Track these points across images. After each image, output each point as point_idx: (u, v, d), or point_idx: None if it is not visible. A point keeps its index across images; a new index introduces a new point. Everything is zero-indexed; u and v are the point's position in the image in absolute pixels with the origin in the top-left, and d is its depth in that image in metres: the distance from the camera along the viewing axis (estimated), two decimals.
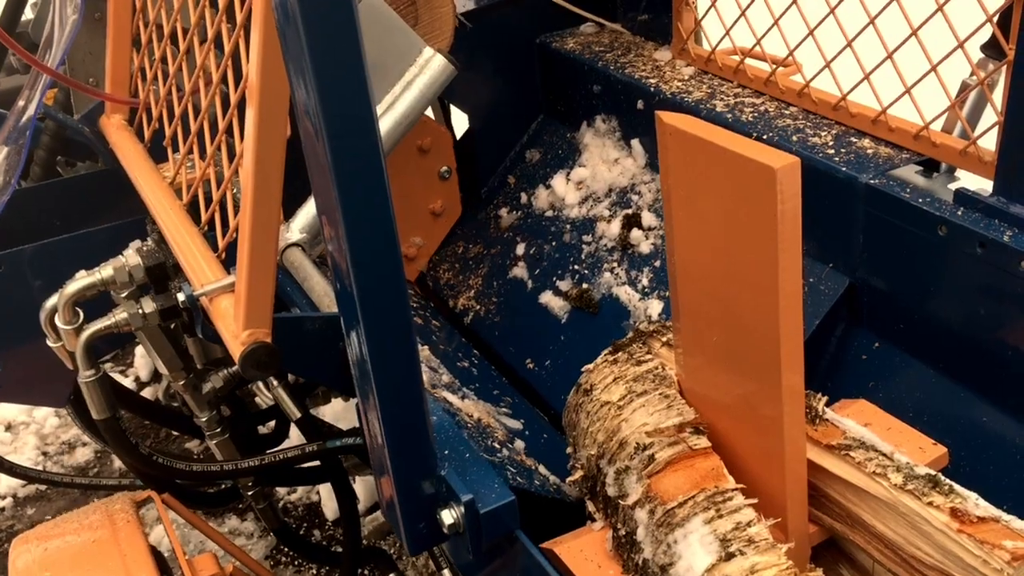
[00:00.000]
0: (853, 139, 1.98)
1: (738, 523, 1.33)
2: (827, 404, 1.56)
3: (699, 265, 1.41)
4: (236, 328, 1.25)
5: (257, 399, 2.41)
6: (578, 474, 1.64)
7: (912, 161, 1.88)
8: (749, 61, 2.25)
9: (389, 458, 1.20)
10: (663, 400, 1.54)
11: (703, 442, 1.46)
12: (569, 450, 1.72)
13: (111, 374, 3.75)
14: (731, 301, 1.36)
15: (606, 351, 1.71)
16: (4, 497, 3.35)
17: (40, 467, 3.46)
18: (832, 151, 1.93)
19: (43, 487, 3.36)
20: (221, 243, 1.45)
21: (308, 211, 1.83)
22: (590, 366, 1.71)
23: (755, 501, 1.35)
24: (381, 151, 1.04)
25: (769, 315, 1.29)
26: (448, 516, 1.24)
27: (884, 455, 1.39)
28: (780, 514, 1.38)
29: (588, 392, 1.67)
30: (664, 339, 1.72)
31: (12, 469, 2.36)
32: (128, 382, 3.78)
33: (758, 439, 1.43)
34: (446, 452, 1.32)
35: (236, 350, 1.25)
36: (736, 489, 1.37)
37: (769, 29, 2.13)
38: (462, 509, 1.22)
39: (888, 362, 1.87)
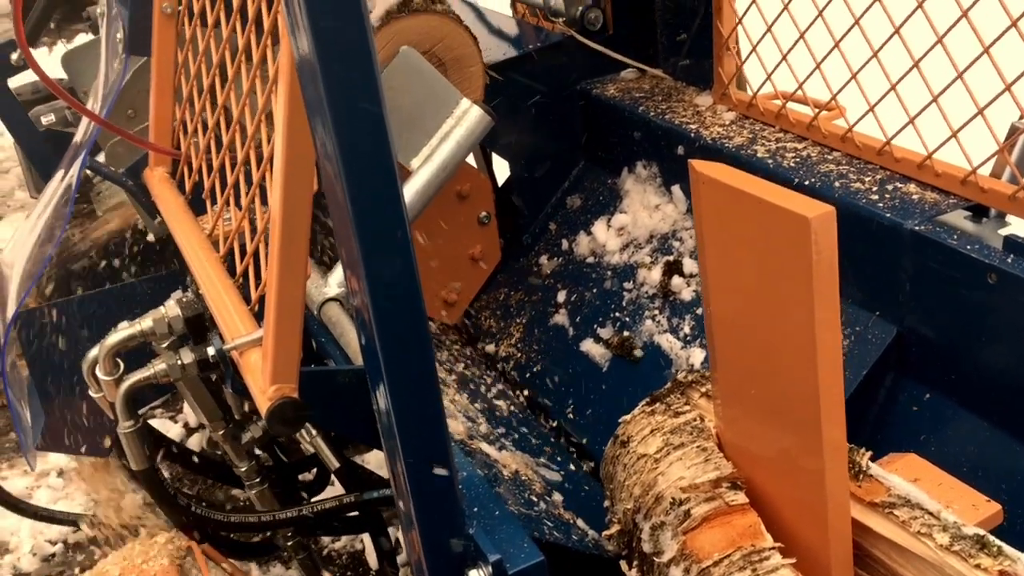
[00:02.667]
0: (898, 184, 1.93)
1: None
2: (875, 458, 1.50)
3: (735, 316, 1.38)
4: (263, 383, 1.25)
5: (303, 445, 2.41)
6: (615, 528, 1.60)
7: (960, 206, 1.83)
8: (791, 105, 2.22)
9: (415, 515, 1.17)
10: (700, 453, 1.50)
11: (740, 498, 1.41)
12: (607, 503, 1.68)
13: (160, 420, 3.82)
14: (768, 353, 1.33)
15: (644, 402, 1.68)
16: (55, 543, 3.39)
17: (92, 513, 3.50)
18: (876, 197, 1.89)
19: (93, 534, 3.39)
20: (254, 295, 1.46)
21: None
22: (627, 417, 1.68)
23: (793, 561, 1.30)
24: (403, 202, 1.03)
25: (807, 368, 1.25)
26: None
27: (931, 513, 1.33)
28: (823, 574, 1.33)
29: (625, 444, 1.64)
30: (703, 389, 1.68)
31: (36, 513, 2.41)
32: (177, 428, 3.82)
33: (799, 494, 1.38)
34: (475, 509, 1.29)
35: (263, 405, 1.25)
36: (774, 548, 1.32)
37: (811, 73, 2.10)
38: (490, 569, 1.19)
39: (939, 414, 1.80)
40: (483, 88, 2.05)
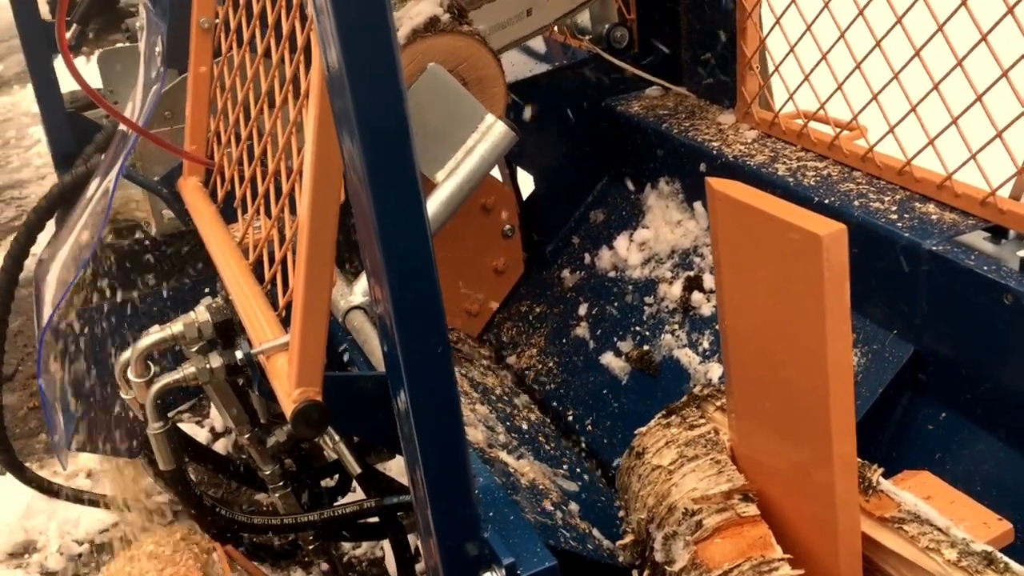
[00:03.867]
0: (918, 204, 1.95)
1: None
2: (889, 475, 1.52)
3: (749, 331, 1.41)
4: (288, 386, 1.29)
5: (326, 452, 2.45)
6: (629, 538, 1.62)
7: (979, 227, 1.85)
8: (813, 125, 2.24)
9: (432, 519, 1.21)
10: (714, 465, 1.53)
11: (752, 509, 1.44)
12: (622, 513, 1.71)
13: (187, 424, 3.88)
14: (781, 368, 1.35)
15: (660, 415, 1.70)
16: (82, 543, 3.45)
17: (118, 513, 3.56)
18: (895, 216, 1.91)
19: (119, 534, 3.45)
20: (281, 302, 1.50)
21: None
22: (643, 429, 1.71)
23: (802, 572, 1.32)
24: (425, 213, 1.07)
25: (819, 383, 1.28)
26: None
27: (939, 529, 1.35)
28: None
29: (640, 455, 1.67)
30: (719, 403, 1.70)
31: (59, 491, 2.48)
32: (203, 432, 3.88)
33: (811, 508, 1.40)
34: (491, 514, 1.32)
35: (288, 408, 1.29)
36: (783, 559, 1.34)
37: (833, 93, 2.12)
38: (503, 572, 1.22)
39: (955, 433, 1.82)
40: (505, 108, 2.10)
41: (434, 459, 1.19)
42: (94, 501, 2.98)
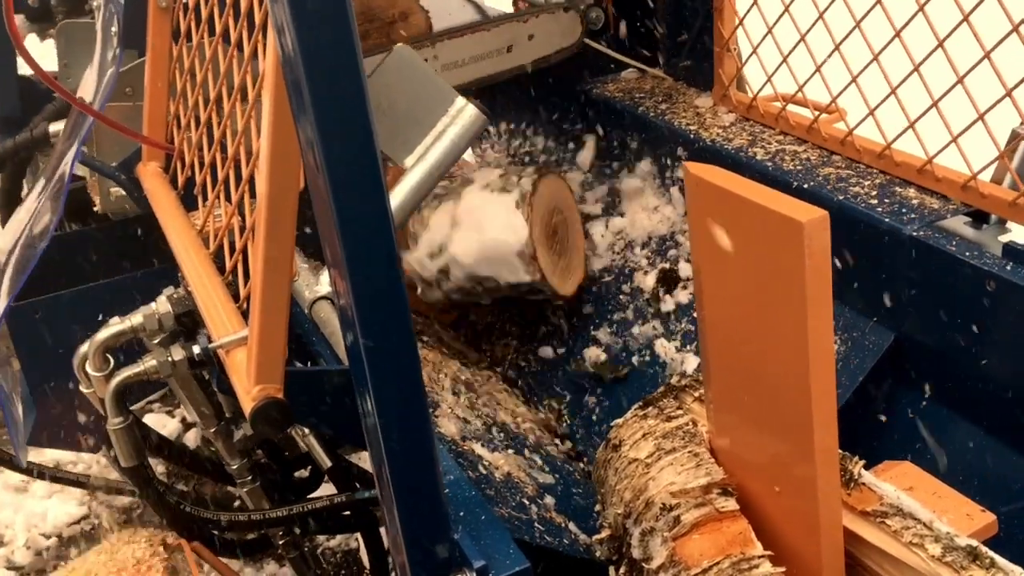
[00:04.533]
0: (898, 188, 1.91)
1: None
2: (869, 466, 1.49)
3: (727, 320, 1.37)
4: (248, 383, 1.24)
5: (298, 442, 2.39)
6: (605, 533, 1.58)
7: (960, 212, 1.81)
8: (791, 108, 2.20)
9: (400, 520, 1.16)
10: (692, 458, 1.49)
11: (731, 504, 1.40)
12: (598, 508, 1.66)
13: (157, 415, 3.80)
14: (761, 358, 1.31)
15: (636, 406, 1.66)
16: (49, 537, 3.37)
17: (85, 506, 3.49)
18: (876, 201, 1.87)
19: (88, 527, 3.38)
20: (242, 293, 1.44)
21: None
22: (619, 421, 1.66)
23: (783, 570, 1.29)
24: (387, 200, 1.02)
25: (800, 374, 1.23)
26: None
27: (923, 523, 1.32)
28: None
29: (617, 448, 1.62)
30: (696, 394, 1.66)
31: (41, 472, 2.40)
32: (174, 423, 3.81)
33: (791, 502, 1.37)
34: (461, 514, 1.28)
35: (247, 405, 1.23)
36: (764, 556, 1.31)
37: (811, 76, 2.08)
38: (474, 575, 1.17)
39: (936, 422, 1.78)
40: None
41: (400, 457, 1.14)
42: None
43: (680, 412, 1.61)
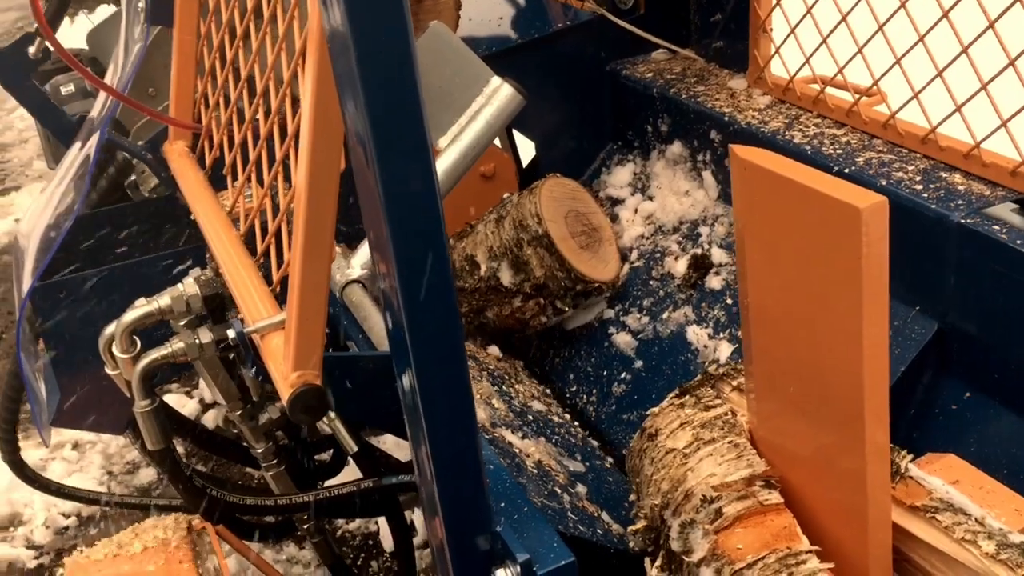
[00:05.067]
0: (943, 174, 1.86)
1: None
2: (912, 458, 1.45)
3: (775, 308, 1.32)
4: (285, 368, 1.20)
5: (319, 424, 2.37)
6: (641, 524, 1.55)
7: (1008, 199, 1.76)
8: (830, 90, 2.15)
9: (441, 510, 1.13)
10: (732, 449, 1.45)
11: (775, 497, 1.36)
12: (632, 497, 1.63)
13: (176, 395, 3.79)
14: (810, 348, 1.27)
15: (672, 394, 1.63)
16: (68, 516, 3.37)
17: (105, 487, 3.48)
18: (920, 187, 1.82)
19: (106, 508, 3.38)
20: (276, 276, 1.41)
21: (368, 247, 1.78)
22: (655, 409, 1.63)
23: (831, 565, 1.25)
24: (436, 185, 0.98)
25: (852, 365, 1.19)
26: None
27: (974, 519, 1.28)
28: None
29: (653, 437, 1.59)
30: (735, 383, 1.63)
31: (63, 492, 2.36)
32: (193, 404, 3.80)
33: (837, 495, 1.33)
34: (502, 505, 1.24)
35: (284, 392, 1.20)
36: (811, 551, 1.27)
37: (852, 57, 2.03)
38: (518, 569, 1.14)
39: (980, 414, 1.74)
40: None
41: (443, 445, 1.10)
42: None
43: (718, 401, 1.58)
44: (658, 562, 1.48)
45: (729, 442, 1.48)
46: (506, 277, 2.24)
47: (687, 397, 1.62)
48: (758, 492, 1.37)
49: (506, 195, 2.33)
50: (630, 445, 1.65)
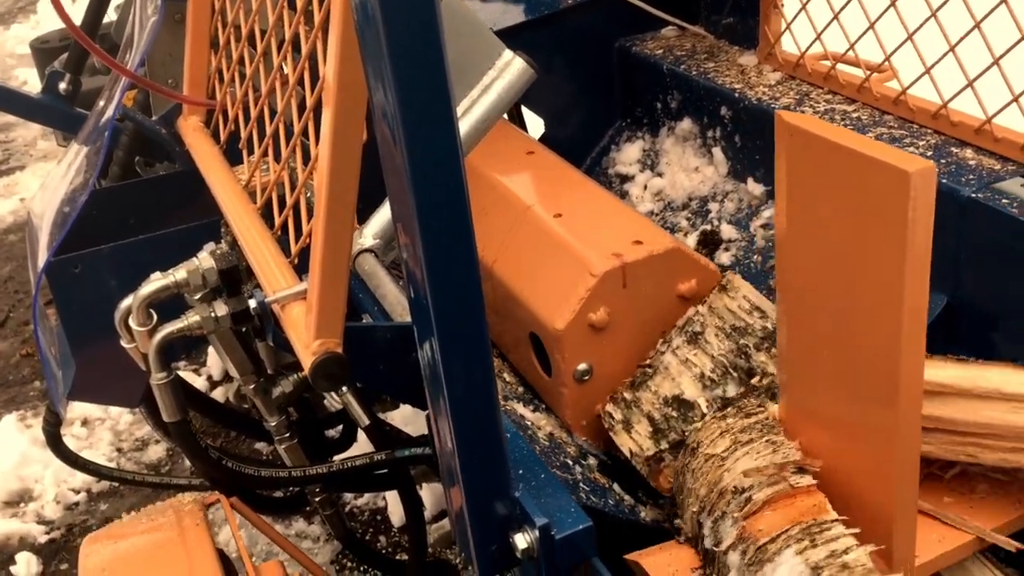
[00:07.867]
0: (954, 149, 1.87)
1: (833, 551, 1.23)
2: None
3: (811, 274, 1.30)
4: (307, 337, 1.22)
5: (326, 401, 2.39)
6: (681, 538, 1.54)
7: (1019, 174, 1.77)
8: (841, 66, 2.15)
9: (461, 476, 1.15)
10: (769, 446, 1.43)
11: (806, 480, 1.35)
12: (677, 522, 1.62)
13: (184, 372, 3.81)
14: (846, 315, 1.25)
15: (715, 409, 1.63)
16: (79, 492, 3.40)
17: (114, 463, 3.50)
18: (931, 162, 1.83)
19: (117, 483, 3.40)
20: (294, 248, 1.43)
21: (382, 216, 1.79)
22: (698, 424, 1.62)
23: (858, 530, 1.26)
24: (461, 157, 0.99)
25: (890, 334, 1.18)
26: (522, 540, 1.18)
27: None
28: (885, 541, 1.28)
29: (694, 451, 1.57)
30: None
31: (86, 466, 2.37)
32: (201, 381, 3.82)
33: (865, 460, 1.32)
34: (520, 472, 1.26)
35: (307, 360, 1.22)
36: (837, 520, 1.27)
37: (864, 33, 2.03)
38: (536, 534, 1.16)
39: None
40: None
41: (465, 412, 1.12)
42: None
43: (760, 409, 1.55)
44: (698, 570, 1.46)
45: (767, 440, 1.44)
46: None
47: (729, 409, 1.60)
48: (789, 476, 1.35)
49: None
50: (675, 467, 1.64)
